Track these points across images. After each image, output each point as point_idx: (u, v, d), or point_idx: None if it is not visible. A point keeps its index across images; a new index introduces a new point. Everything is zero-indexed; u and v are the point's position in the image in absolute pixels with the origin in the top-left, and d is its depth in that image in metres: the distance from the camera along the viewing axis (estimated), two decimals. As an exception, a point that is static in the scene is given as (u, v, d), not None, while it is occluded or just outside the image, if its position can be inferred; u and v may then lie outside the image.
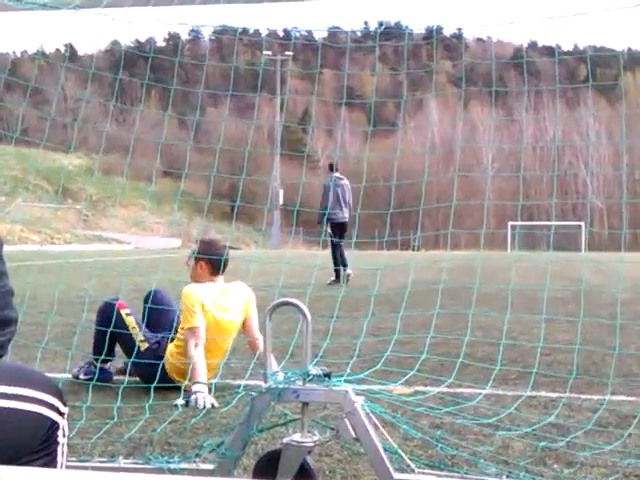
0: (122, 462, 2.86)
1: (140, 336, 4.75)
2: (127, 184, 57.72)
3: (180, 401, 4.18)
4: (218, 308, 4.62)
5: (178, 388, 4.37)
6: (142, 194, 57.42)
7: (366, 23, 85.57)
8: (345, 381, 2.73)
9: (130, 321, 4.79)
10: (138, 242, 50.37)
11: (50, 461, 2.10)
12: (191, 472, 2.67)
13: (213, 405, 4.18)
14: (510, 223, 46.99)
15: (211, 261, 4.69)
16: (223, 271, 4.73)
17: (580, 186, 72.76)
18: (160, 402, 4.09)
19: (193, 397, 4.19)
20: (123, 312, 4.81)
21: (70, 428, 2.24)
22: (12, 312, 2.13)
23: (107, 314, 4.77)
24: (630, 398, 4.35)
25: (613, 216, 63.95)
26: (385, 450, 2.63)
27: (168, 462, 2.83)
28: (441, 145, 58.66)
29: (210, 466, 2.74)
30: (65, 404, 2.19)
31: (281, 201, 38.03)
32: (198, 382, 4.31)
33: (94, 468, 2.72)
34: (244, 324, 4.76)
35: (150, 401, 3.85)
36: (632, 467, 3.07)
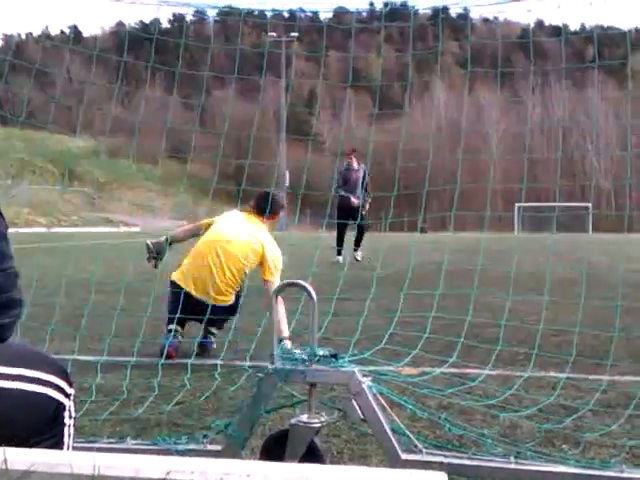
0: (130, 443, 2.86)
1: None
2: (133, 167, 57.69)
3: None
4: (222, 233, 5.13)
5: (186, 369, 4.34)
6: (148, 176, 57.39)
7: (372, 4, 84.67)
8: (352, 362, 2.72)
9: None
10: (145, 224, 50.40)
11: (57, 442, 2.10)
12: (199, 453, 2.67)
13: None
14: (517, 205, 46.81)
15: (255, 200, 5.29)
16: (265, 213, 5.18)
17: (587, 167, 72.39)
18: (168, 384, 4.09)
19: None
20: None
21: (77, 409, 2.24)
22: (17, 294, 2.11)
23: None
24: (638, 378, 4.34)
25: (621, 198, 63.66)
26: (393, 431, 2.62)
27: (176, 443, 2.83)
28: (448, 127, 58.37)
29: (218, 447, 2.74)
30: (71, 385, 2.18)
31: (287, 183, 37.90)
32: None
33: (102, 449, 2.73)
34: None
35: (158, 379, 3.85)
36: (640, 447, 3.05)
